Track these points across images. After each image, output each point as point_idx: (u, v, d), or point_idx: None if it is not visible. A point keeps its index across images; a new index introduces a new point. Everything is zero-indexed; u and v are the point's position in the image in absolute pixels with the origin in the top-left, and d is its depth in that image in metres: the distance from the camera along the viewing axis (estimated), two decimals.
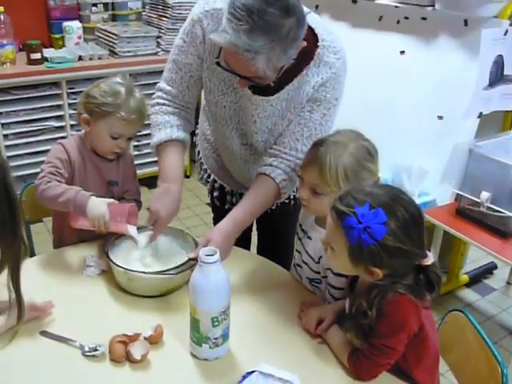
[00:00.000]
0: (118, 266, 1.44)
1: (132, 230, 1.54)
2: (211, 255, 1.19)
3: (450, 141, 2.37)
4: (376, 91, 2.57)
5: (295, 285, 1.56)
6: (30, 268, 1.58)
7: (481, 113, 2.33)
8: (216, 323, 1.21)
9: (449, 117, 2.39)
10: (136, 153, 3.42)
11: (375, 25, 2.69)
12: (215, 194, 1.91)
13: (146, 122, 1.65)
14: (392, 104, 2.54)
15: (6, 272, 1.16)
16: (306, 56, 1.44)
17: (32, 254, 1.86)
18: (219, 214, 1.78)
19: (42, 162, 1.64)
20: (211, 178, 1.89)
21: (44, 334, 1.32)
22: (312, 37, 1.43)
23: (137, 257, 1.53)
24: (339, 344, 1.27)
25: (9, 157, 3.06)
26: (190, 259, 1.45)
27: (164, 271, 1.44)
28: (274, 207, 1.80)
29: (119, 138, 1.63)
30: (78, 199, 1.50)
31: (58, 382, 1.20)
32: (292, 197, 1.73)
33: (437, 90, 2.42)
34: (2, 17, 3.07)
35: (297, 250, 1.58)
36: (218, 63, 1.39)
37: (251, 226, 1.94)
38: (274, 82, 1.39)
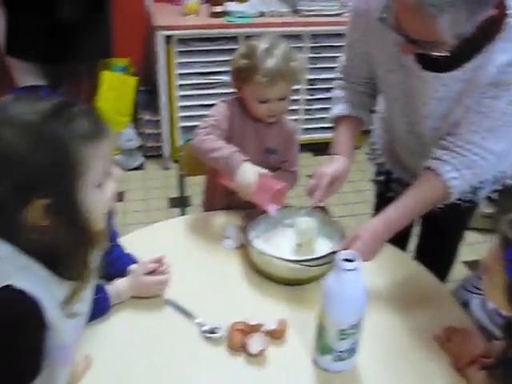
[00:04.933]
0: (252, 246, 1.35)
1: (273, 210, 1.43)
2: (350, 261, 1.03)
3: None
4: None
5: (449, 303, 1.34)
6: (173, 228, 1.58)
7: None
8: (343, 336, 1.07)
9: None
10: (307, 117, 3.30)
11: None
12: (381, 178, 1.73)
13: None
14: None
15: None
16: (491, 27, 1.16)
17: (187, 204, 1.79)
18: (381, 201, 1.62)
19: None
20: (380, 160, 1.71)
21: (168, 302, 1.28)
22: (499, 3, 1.13)
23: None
24: None
25: (181, 107, 3.14)
26: (331, 252, 1.31)
27: (301, 261, 1.32)
28: (440, 205, 1.59)
29: (268, 101, 1.50)
30: (232, 159, 1.42)
31: (169, 356, 1.16)
32: (467, 199, 1.49)
33: None
34: None
35: None
36: (381, 19, 1.18)
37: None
38: (448, 57, 1.15)
